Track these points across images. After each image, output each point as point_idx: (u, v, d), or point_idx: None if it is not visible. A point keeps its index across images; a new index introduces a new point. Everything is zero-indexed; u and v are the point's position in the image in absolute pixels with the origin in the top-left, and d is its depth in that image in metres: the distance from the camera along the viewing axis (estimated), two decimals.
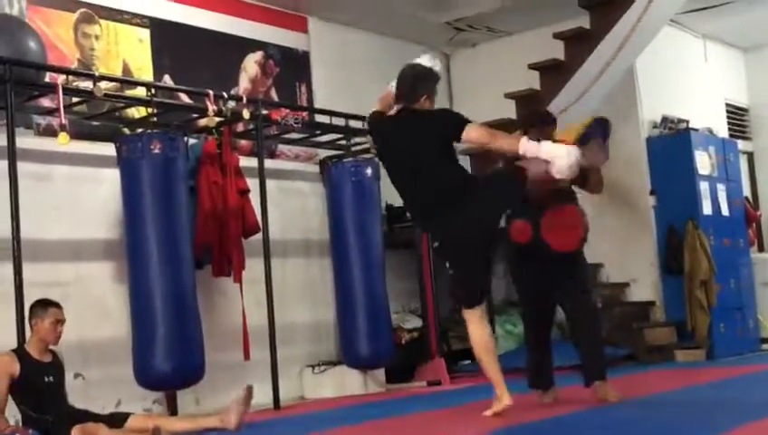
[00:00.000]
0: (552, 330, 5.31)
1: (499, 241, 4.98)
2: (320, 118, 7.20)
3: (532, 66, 7.97)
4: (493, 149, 4.77)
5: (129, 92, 6.13)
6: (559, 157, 4.48)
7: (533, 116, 5.52)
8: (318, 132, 7.30)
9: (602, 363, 5.09)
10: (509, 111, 8.01)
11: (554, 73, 7.80)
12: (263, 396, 6.03)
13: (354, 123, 7.20)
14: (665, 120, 8.58)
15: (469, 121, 4.63)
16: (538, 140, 4.57)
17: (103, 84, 5.67)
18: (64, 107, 5.37)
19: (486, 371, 4.69)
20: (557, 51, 7.87)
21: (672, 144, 8.41)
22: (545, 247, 4.99)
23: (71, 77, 5.77)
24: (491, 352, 4.71)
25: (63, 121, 5.31)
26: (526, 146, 4.53)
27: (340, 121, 7.17)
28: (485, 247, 4.73)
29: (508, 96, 8.10)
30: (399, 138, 4.76)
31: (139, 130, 6.06)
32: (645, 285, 8.44)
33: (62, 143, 5.30)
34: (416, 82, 4.79)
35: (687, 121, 8.63)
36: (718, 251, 8.21)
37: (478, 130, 4.64)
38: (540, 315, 5.22)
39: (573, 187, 5.14)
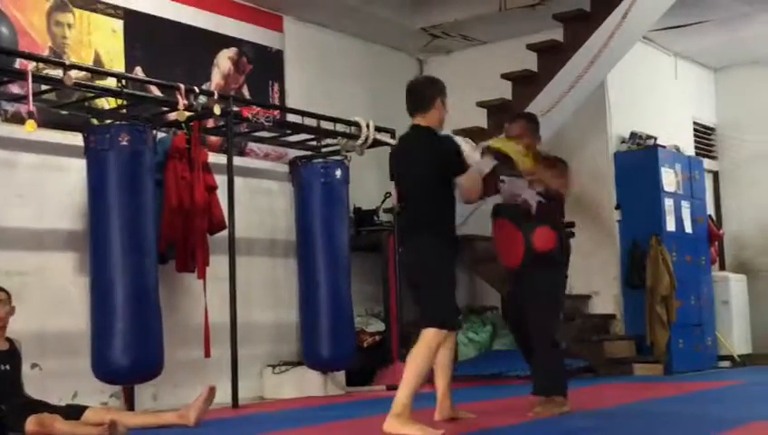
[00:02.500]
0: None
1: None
2: (291, 117, 7.19)
3: (505, 76, 8.02)
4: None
5: (100, 83, 6.08)
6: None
7: (527, 116, 5.50)
8: (289, 132, 7.29)
9: (540, 378, 5.06)
10: (481, 120, 8.05)
11: (526, 84, 7.85)
12: (222, 394, 5.98)
13: (326, 124, 7.20)
14: (633, 135, 8.67)
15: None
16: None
17: (74, 73, 5.62)
18: (33, 94, 5.32)
19: (414, 384, 4.43)
20: (530, 62, 7.93)
21: (639, 160, 8.50)
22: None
23: (41, 64, 5.71)
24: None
25: (32, 109, 5.26)
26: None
27: (311, 122, 7.17)
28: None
29: (480, 105, 8.14)
30: None
31: (108, 122, 6.02)
32: (606, 299, 8.51)
33: (30, 131, 5.26)
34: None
35: (655, 138, 8.72)
36: (680, 267, 8.30)
37: (473, 180, 4.65)
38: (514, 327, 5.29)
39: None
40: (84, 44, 6.38)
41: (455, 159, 4.60)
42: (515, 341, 5.41)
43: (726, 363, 8.94)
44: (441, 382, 4.87)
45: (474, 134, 7.76)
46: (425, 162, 4.61)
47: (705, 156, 10.03)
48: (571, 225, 5.26)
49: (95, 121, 6.11)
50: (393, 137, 7.56)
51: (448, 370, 4.87)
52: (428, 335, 4.44)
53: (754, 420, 4.63)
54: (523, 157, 4.90)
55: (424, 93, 4.75)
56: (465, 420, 4.84)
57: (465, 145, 4.68)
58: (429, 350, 4.44)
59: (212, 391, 4.86)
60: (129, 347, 5.49)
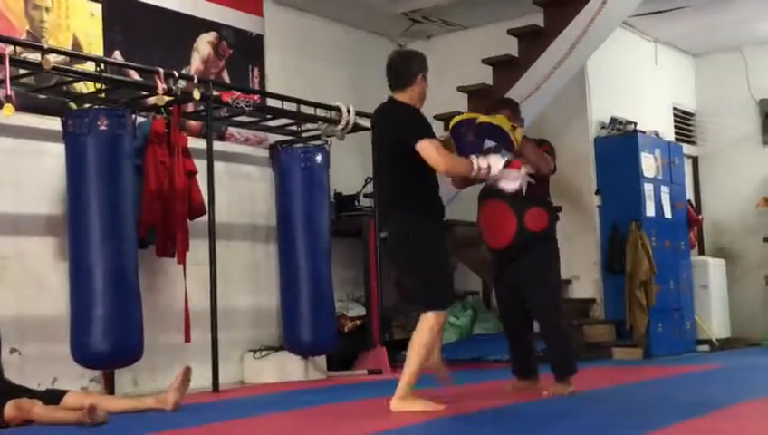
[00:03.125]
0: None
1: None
2: (271, 102, 7.17)
3: (486, 61, 8.02)
4: (443, 173, 4.71)
5: (79, 67, 6.03)
6: (511, 179, 4.76)
7: (510, 103, 5.56)
8: (269, 117, 7.26)
9: (553, 361, 5.23)
10: (461, 104, 8.05)
11: (507, 69, 7.86)
12: (202, 379, 6.00)
13: (306, 109, 7.18)
14: (613, 121, 8.69)
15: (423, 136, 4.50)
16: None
17: (52, 57, 5.57)
18: (11, 78, 5.29)
19: (417, 368, 4.52)
20: (511, 47, 7.93)
21: (619, 145, 8.53)
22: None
23: (18, 48, 5.65)
24: None
25: (9, 93, 5.22)
26: (477, 165, 4.66)
27: (291, 107, 7.14)
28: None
29: (461, 89, 8.15)
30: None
31: (87, 106, 5.98)
32: (586, 283, 8.55)
33: (7, 115, 5.23)
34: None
35: (635, 124, 8.75)
36: (659, 252, 8.35)
37: (429, 149, 4.48)
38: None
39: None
40: (62, 28, 6.32)
41: (414, 126, 4.52)
42: (504, 323, 5.47)
43: (705, 347, 9.01)
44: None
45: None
46: (393, 133, 4.58)
47: (684, 141, 10.08)
48: (559, 209, 5.38)
49: (74, 106, 6.07)
50: None
51: (439, 352, 4.95)
52: (428, 320, 4.48)
53: (734, 402, 4.68)
54: (513, 132, 4.88)
55: (404, 68, 4.68)
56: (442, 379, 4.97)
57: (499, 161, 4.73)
58: (431, 333, 4.48)
59: (187, 371, 4.86)
60: (108, 332, 5.47)
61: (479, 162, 4.72)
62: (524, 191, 4.99)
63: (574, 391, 5.14)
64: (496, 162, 4.74)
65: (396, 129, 4.60)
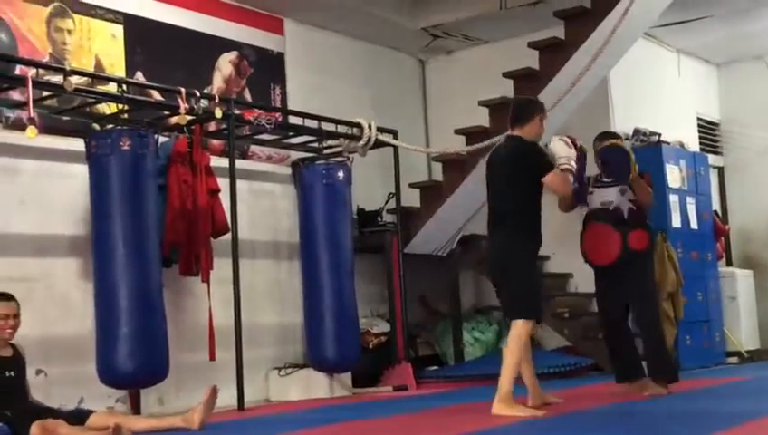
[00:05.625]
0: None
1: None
2: (293, 120, 7.19)
3: (507, 74, 7.99)
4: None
5: (101, 88, 6.07)
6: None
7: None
8: (291, 134, 7.28)
9: (655, 364, 5.82)
10: (482, 118, 8.02)
11: (528, 82, 7.82)
12: (228, 397, 5.99)
13: (327, 126, 7.19)
14: (637, 132, 8.63)
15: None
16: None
17: (74, 79, 5.61)
18: (34, 100, 5.32)
19: (513, 372, 4.93)
20: (531, 60, 7.90)
21: (643, 156, 8.32)
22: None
23: (41, 71, 5.72)
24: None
25: (32, 115, 5.25)
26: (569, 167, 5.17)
27: (313, 124, 7.16)
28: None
29: (482, 104, 8.12)
30: None
31: (110, 126, 6.01)
32: None
33: (31, 137, 5.25)
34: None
35: (659, 134, 8.68)
36: (686, 264, 8.26)
37: (555, 182, 5.08)
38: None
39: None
40: (85, 50, 6.38)
41: (540, 160, 5.05)
42: (606, 333, 6.05)
43: (734, 359, 8.90)
44: (527, 373, 5.30)
45: (476, 134, 7.79)
46: (512, 164, 5.08)
47: (709, 151, 10.00)
48: (655, 231, 6.35)
49: (96, 127, 6.11)
50: (395, 137, 7.56)
51: (530, 362, 5.33)
52: (517, 326, 4.94)
53: (764, 414, 4.60)
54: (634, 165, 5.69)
55: (525, 108, 5.26)
56: (554, 403, 5.30)
57: (559, 143, 5.15)
58: (520, 339, 4.93)
59: (214, 390, 4.86)
60: (134, 351, 5.48)
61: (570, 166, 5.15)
62: (626, 215, 5.74)
63: (670, 392, 5.73)
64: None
65: (521, 159, 5.09)
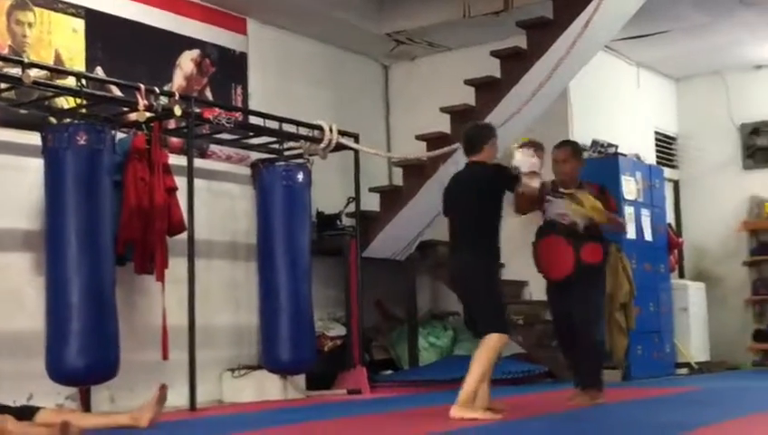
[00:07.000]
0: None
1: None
2: (254, 120, 7.16)
3: (468, 82, 8.04)
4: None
5: (60, 82, 6.02)
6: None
7: (574, 145, 6.27)
8: (251, 134, 7.26)
9: (581, 373, 5.87)
10: (444, 125, 8.07)
11: (490, 90, 7.88)
12: (180, 397, 5.96)
13: (288, 127, 7.18)
14: (594, 143, 8.73)
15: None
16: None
17: (33, 72, 5.56)
18: None
19: (478, 381, 5.00)
20: (494, 68, 7.96)
21: (600, 168, 8.50)
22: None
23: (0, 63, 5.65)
24: None
25: None
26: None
27: (274, 125, 7.14)
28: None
29: (444, 110, 8.16)
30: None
31: (67, 121, 5.96)
32: None
33: None
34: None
35: (616, 146, 8.79)
36: (639, 275, 8.34)
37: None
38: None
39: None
40: (45, 43, 6.32)
41: (504, 179, 5.28)
42: (559, 342, 6.13)
43: (684, 371, 9.02)
44: None
45: (437, 140, 7.83)
46: (478, 189, 5.26)
47: (665, 165, 10.14)
48: (611, 244, 6.35)
49: (54, 121, 6.05)
50: (357, 141, 7.57)
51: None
52: (492, 340, 5.05)
53: (709, 423, 4.67)
54: (598, 212, 5.71)
55: (477, 136, 5.39)
56: (499, 411, 5.22)
57: (521, 156, 5.29)
58: (494, 352, 5.08)
59: (163, 389, 4.83)
60: (84, 348, 5.44)
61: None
62: (581, 228, 5.72)
63: (603, 402, 5.75)
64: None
65: (488, 183, 5.28)
